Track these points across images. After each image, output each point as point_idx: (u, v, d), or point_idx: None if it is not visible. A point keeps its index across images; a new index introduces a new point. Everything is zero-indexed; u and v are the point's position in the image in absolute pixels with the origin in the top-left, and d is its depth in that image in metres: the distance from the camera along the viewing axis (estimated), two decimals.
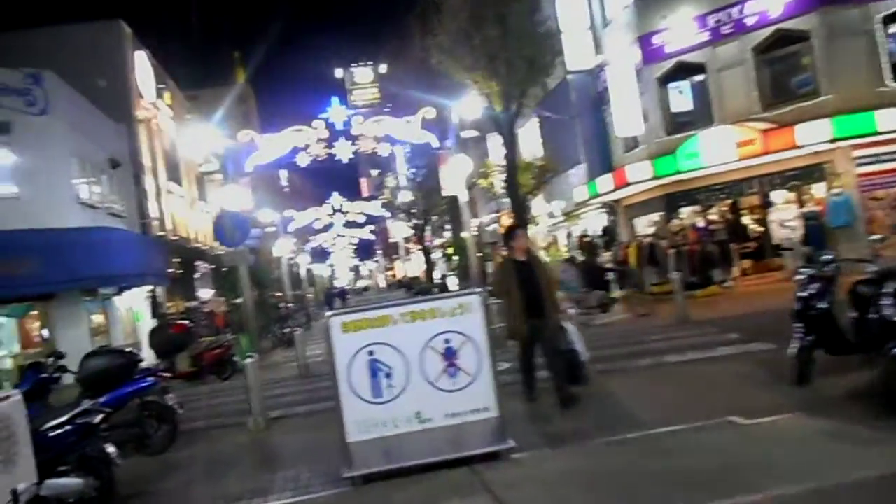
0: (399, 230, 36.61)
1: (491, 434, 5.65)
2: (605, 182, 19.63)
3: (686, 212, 18.98)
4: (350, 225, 45.47)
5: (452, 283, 35.72)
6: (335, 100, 19.17)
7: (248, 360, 8.08)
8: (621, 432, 5.95)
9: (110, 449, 5.75)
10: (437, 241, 38.93)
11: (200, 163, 26.48)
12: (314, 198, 42.91)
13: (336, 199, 37.83)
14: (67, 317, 19.09)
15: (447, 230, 36.19)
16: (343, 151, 19.35)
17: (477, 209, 30.71)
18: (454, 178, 19.25)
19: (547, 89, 19.39)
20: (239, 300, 20.42)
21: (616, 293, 20.74)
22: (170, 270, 29.33)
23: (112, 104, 25.99)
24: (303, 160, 19.05)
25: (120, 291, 22.28)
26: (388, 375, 5.64)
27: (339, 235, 51.89)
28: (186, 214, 35.93)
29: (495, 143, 27.15)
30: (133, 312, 25.74)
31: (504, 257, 8.42)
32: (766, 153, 16.71)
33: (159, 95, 34.08)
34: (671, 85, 19.27)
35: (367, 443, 5.55)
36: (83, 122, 21.94)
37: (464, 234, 29.55)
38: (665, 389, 7.58)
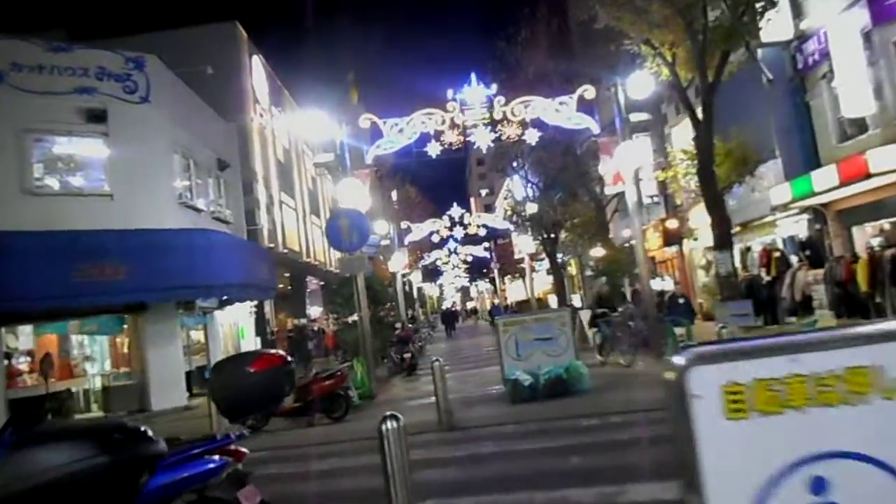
0: (525, 244, 32.79)
1: None
2: (825, 177, 14.97)
3: None
4: (466, 241, 42.17)
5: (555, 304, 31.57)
6: (473, 76, 15.76)
7: (389, 425, 4.46)
8: None
9: None
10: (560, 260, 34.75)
11: (314, 157, 23.83)
12: (427, 215, 39.82)
13: (456, 210, 34.62)
14: (160, 332, 16.54)
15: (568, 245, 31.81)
16: (482, 139, 15.87)
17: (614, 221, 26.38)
18: (622, 170, 15.29)
19: (754, 52, 15.03)
20: (352, 318, 17.33)
21: (830, 320, 15.99)
22: (279, 286, 27.06)
23: (226, 107, 24.01)
24: (433, 150, 15.73)
25: (222, 305, 19.72)
26: None
27: (452, 252, 48.74)
28: (298, 228, 33.88)
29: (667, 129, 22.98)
30: (237, 328, 23.31)
31: None
32: None
33: (275, 104, 32.37)
34: None
35: None
36: (188, 116, 19.68)
37: (630, 242, 25.27)
38: None
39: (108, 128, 16.57)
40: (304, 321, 31.37)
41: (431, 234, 34.48)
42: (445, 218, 34.44)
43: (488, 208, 66.23)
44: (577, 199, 24.80)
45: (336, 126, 15.47)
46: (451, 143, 15.57)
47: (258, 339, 24.74)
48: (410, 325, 25.44)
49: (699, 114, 13.56)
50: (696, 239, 27.07)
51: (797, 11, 17.49)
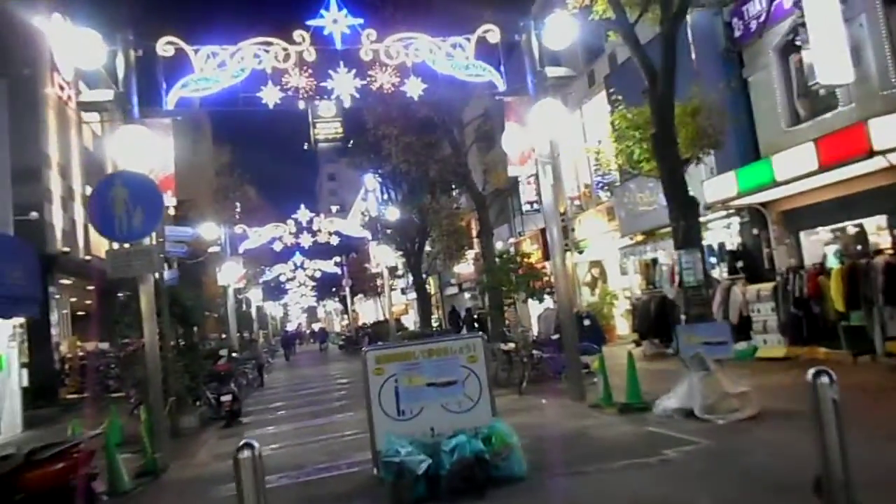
0: (384, 256, 27.99)
1: None
2: (795, 160, 11.54)
3: None
4: (314, 254, 36.67)
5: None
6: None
7: None
8: None
9: None
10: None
11: (81, 94, 17.38)
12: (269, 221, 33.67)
13: (304, 213, 29.02)
14: None
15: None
16: (344, 85, 11.00)
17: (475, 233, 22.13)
18: (535, 142, 11.04)
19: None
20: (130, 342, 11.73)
21: (778, 348, 12.66)
22: (86, 302, 20.62)
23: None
24: (271, 96, 10.61)
25: None
26: None
27: (298, 266, 42.87)
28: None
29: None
30: None
31: None
32: None
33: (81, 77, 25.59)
34: None
35: None
36: None
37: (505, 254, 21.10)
38: None
39: None
40: (106, 347, 24.76)
41: (273, 240, 28.75)
42: (290, 222, 28.86)
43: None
44: (450, 198, 20.44)
45: (118, 51, 9.91)
46: (296, 88, 10.59)
47: (24, 372, 17.98)
48: (237, 354, 19.61)
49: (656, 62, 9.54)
50: (581, 252, 23.68)
51: None
